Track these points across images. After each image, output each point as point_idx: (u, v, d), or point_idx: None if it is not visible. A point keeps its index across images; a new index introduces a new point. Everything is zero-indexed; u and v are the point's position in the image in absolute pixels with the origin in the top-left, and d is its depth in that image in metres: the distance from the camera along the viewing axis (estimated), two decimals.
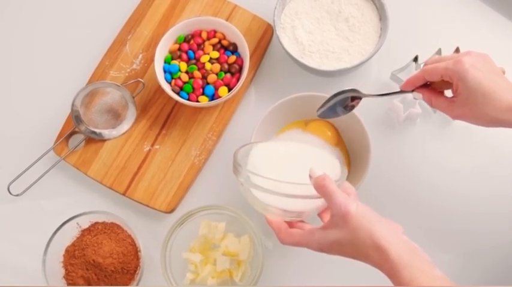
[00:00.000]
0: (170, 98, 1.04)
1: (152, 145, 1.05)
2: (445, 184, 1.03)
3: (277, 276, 1.01)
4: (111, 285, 0.98)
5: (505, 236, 1.01)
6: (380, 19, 1.05)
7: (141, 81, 1.06)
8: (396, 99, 1.04)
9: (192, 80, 1.04)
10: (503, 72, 0.89)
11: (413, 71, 1.07)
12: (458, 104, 0.83)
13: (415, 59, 1.06)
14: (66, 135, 1.05)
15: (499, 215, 1.02)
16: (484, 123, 0.82)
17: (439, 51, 1.06)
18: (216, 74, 1.04)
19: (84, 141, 1.05)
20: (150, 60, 1.07)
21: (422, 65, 1.05)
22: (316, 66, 1.02)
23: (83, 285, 0.98)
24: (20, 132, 1.09)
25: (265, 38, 1.09)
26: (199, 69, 1.04)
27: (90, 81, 1.07)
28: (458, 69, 0.80)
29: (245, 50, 1.03)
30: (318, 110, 0.95)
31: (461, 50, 1.05)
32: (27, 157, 1.05)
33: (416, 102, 1.03)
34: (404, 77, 1.05)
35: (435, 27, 1.10)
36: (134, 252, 1.00)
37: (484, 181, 1.03)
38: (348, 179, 0.98)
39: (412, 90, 0.89)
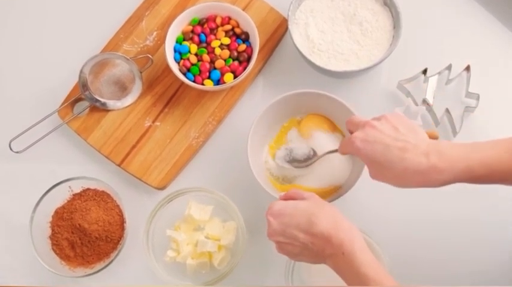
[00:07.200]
0: (177, 78, 1.05)
1: (153, 122, 1.07)
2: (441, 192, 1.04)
3: (255, 267, 1.02)
4: (94, 251, 1.00)
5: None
6: (394, 27, 1.05)
7: (150, 57, 1.08)
8: (398, 109, 1.04)
9: (200, 63, 1.05)
10: (437, 136, 0.88)
11: (421, 83, 1.06)
12: (370, 171, 0.85)
13: (424, 72, 1.05)
14: (72, 100, 1.07)
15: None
16: (396, 185, 0.83)
17: (449, 67, 1.06)
18: (224, 60, 1.05)
19: (88, 108, 1.07)
20: (163, 39, 1.08)
21: (430, 78, 1.05)
22: (322, 65, 1.02)
23: (66, 247, 1.00)
24: (29, 94, 1.11)
25: (278, 31, 1.09)
26: (208, 53, 1.05)
27: (102, 52, 1.09)
28: (353, 149, 0.85)
29: (256, 41, 1.04)
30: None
31: (472, 69, 1.05)
32: (32, 118, 1.07)
33: (418, 114, 1.04)
34: (412, 88, 1.06)
35: (448, 43, 1.09)
36: (120, 222, 1.01)
37: (483, 194, 1.01)
38: (348, 174, 1.02)
39: None
